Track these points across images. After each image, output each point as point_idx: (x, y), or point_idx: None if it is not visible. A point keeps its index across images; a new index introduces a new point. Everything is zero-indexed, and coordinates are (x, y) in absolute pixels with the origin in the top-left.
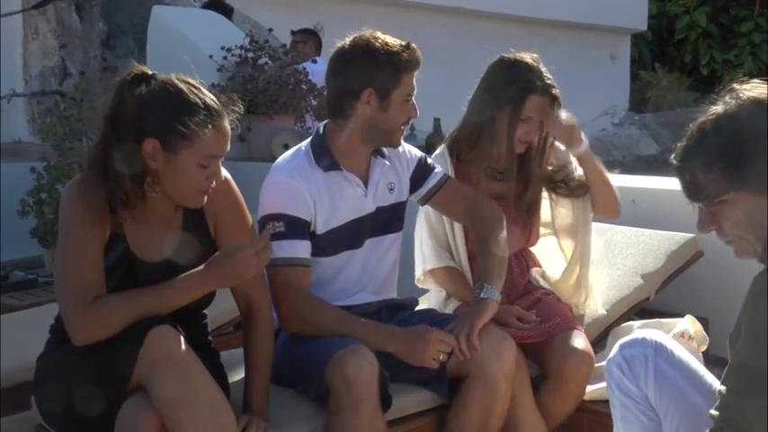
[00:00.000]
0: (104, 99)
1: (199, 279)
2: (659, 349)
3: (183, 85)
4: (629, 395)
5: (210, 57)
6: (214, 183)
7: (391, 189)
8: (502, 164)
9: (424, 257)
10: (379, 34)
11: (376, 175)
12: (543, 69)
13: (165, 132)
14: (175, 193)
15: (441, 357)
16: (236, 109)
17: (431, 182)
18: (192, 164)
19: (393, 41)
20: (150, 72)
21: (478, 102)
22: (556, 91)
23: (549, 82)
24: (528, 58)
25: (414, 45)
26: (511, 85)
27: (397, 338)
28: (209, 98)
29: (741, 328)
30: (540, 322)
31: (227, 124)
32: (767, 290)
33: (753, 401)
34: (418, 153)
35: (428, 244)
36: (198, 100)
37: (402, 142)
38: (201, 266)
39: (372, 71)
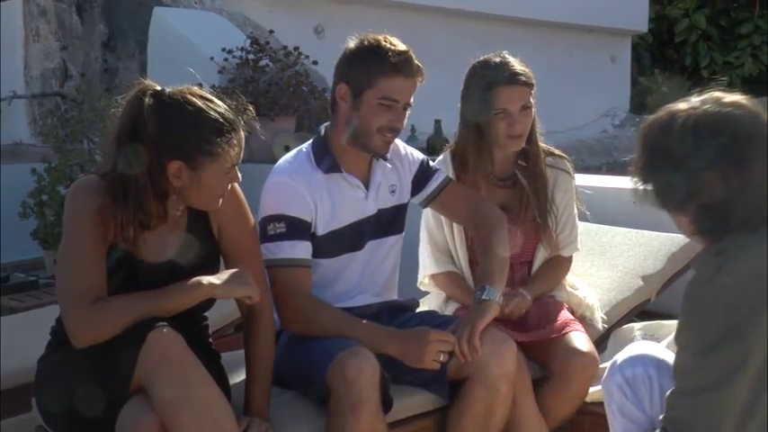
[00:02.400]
0: (115, 119)
1: (201, 287)
2: (662, 368)
3: (200, 102)
4: (634, 421)
5: (211, 58)
6: (229, 186)
7: (392, 191)
8: (502, 170)
9: (426, 263)
10: (381, 36)
11: (377, 177)
12: (511, 61)
13: (190, 154)
14: (198, 202)
15: (441, 358)
16: (249, 112)
17: (432, 184)
18: (216, 176)
19: (387, 44)
20: (160, 88)
21: (462, 113)
22: (523, 78)
23: (514, 71)
24: (492, 56)
25: (410, 53)
26: (477, 87)
27: (396, 340)
28: (225, 109)
29: (680, 334)
30: (540, 323)
31: (242, 133)
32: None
33: (695, 399)
34: (420, 155)
35: (427, 250)
36: (217, 115)
37: (404, 144)
38: (208, 277)
39: (350, 67)
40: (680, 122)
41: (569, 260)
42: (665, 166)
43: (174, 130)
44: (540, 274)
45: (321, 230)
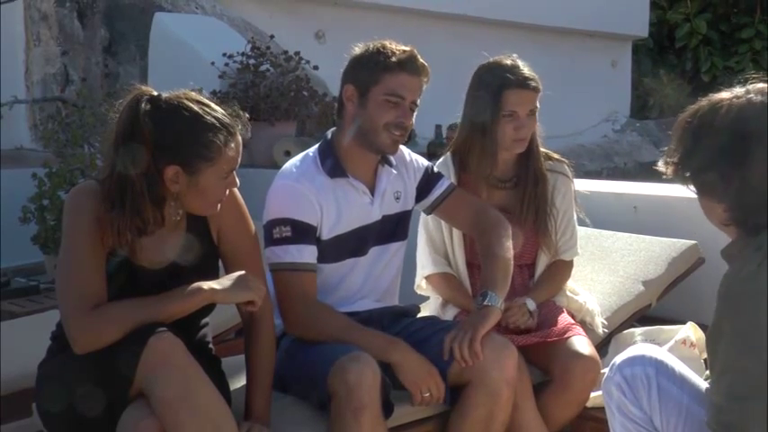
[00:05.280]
0: (113, 125)
1: (201, 292)
2: (660, 367)
3: (196, 107)
4: (632, 418)
5: (212, 63)
6: (227, 191)
7: (397, 198)
8: (503, 172)
9: (422, 264)
10: (388, 41)
11: (383, 183)
12: (521, 65)
13: (188, 158)
14: (195, 207)
15: (425, 394)
16: (242, 119)
17: (437, 191)
18: (214, 181)
19: (392, 46)
20: (156, 93)
21: (467, 113)
22: (533, 83)
23: (525, 75)
24: (503, 58)
25: (414, 52)
26: (487, 87)
27: (399, 350)
28: (221, 114)
29: (720, 330)
30: (541, 326)
31: (239, 137)
32: (747, 291)
33: (747, 404)
34: (425, 162)
35: (425, 250)
36: (214, 120)
37: (409, 151)
38: (209, 282)
39: (356, 67)
40: (722, 112)
41: (570, 265)
42: (706, 157)
43: (171, 135)
44: (543, 281)
45: (326, 235)
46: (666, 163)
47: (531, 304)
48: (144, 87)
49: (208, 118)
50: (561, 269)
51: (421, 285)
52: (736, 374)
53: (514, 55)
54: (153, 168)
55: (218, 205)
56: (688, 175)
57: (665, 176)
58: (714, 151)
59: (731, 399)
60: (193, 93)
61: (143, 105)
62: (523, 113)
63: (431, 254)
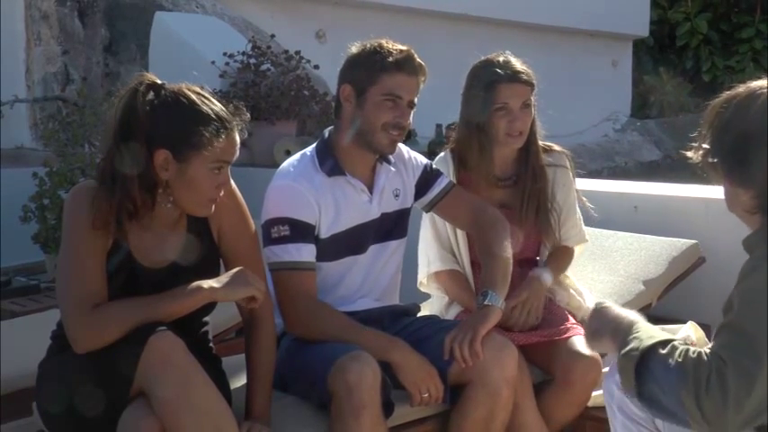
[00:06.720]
0: (113, 109)
1: (201, 291)
2: None
3: (194, 96)
4: (634, 418)
5: (213, 63)
6: (222, 192)
7: (396, 195)
8: (502, 169)
9: (429, 260)
10: (384, 40)
11: (381, 181)
12: (512, 61)
13: (178, 143)
14: (186, 202)
15: (425, 395)
16: (244, 118)
17: (435, 189)
18: (203, 172)
19: (389, 45)
20: (160, 81)
21: (462, 112)
22: (524, 77)
23: (516, 69)
24: (495, 56)
25: (411, 52)
26: (479, 84)
27: (399, 350)
28: (219, 108)
29: (733, 302)
30: (541, 326)
31: (236, 133)
32: (766, 264)
33: (738, 360)
34: (424, 160)
35: (433, 247)
36: (209, 110)
37: (407, 149)
38: (208, 281)
39: (353, 67)
40: (761, 100)
41: (572, 251)
42: (739, 141)
43: (163, 119)
44: (548, 264)
45: (324, 234)
46: (696, 148)
47: (547, 278)
48: (148, 74)
49: (203, 107)
50: (565, 253)
51: (423, 282)
52: (737, 332)
53: (507, 52)
54: (145, 152)
55: (212, 206)
56: (716, 160)
57: (691, 161)
58: (747, 136)
59: (724, 347)
60: (196, 86)
61: (143, 90)
62: (515, 106)
63: (438, 250)
